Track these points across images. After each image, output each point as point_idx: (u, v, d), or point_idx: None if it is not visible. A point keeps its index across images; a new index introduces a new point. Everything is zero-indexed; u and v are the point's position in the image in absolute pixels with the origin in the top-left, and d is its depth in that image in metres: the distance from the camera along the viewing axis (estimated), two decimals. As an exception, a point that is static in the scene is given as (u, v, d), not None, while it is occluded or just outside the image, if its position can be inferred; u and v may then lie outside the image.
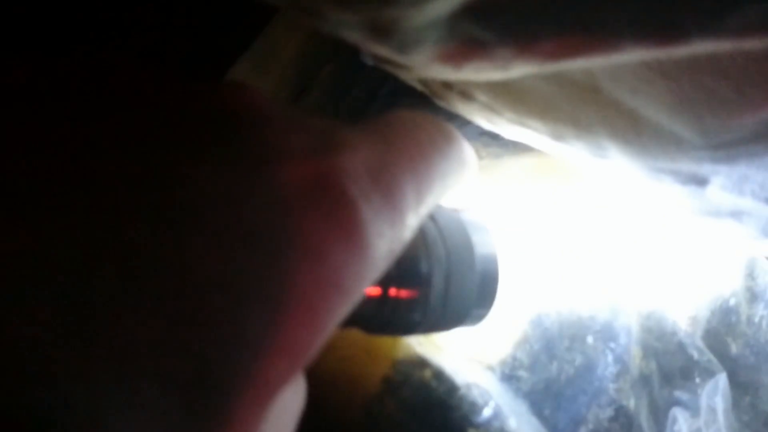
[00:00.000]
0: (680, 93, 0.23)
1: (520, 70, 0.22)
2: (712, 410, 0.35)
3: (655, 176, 0.28)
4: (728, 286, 0.36)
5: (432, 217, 0.23)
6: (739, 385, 0.36)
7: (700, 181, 0.28)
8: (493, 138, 0.37)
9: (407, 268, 0.22)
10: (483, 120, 0.32)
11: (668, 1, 0.18)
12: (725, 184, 0.27)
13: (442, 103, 0.33)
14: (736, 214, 0.29)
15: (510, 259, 0.35)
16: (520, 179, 0.37)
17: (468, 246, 0.23)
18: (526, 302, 0.34)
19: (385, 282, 0.21)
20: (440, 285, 0.22)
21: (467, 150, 0.20)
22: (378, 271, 0.16)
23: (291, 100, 0.42)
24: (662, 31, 0.19)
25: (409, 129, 0.18)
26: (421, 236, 0.22)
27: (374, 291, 0.21)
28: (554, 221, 0.36)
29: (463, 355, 0.34)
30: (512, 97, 0.29)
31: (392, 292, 0.22)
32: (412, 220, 0.16)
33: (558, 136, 0.29)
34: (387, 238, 0.15)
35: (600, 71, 0.23)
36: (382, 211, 0.15)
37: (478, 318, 0.26)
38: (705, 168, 0.27)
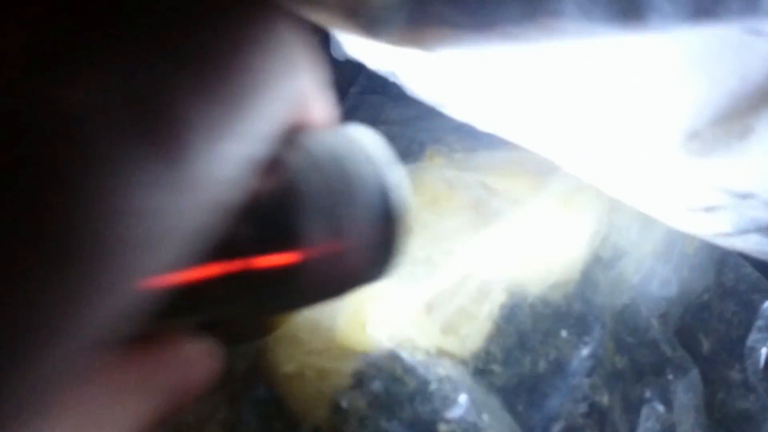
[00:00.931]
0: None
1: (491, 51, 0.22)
2: (685, 406, 0.35)
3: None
4: (700, 282, 0.36)
5: (300, 147, 0.18)
6: (711, 382, 0.35)
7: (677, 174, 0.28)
8: (468, 132, 0.36)
9: (273, 226, 0.16)
10: (458, 110, 0.31)
11: None
12: (701, 179, 0.28)
13: (416, 96, 0.32)
14: (710, 209, 0.29)
15: (483, 251, 0.35)
16: (495, 173, 0.36)
17: (356, 179, 0.18)
18: (499, 295, 0.34)
19: (246, 250, 0.16)
20: (322, 237, 0.17)
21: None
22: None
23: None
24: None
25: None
26: (289, 176, 0.17)
27: (231, 266, 0.16)
28: (526, 215, 0.35)
29: (434, 349, 0.33)
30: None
31: (256, 262, 0.16)
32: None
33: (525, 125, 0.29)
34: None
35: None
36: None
37: (379, 273, 0.20)
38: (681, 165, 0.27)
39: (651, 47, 0.21)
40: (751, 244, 0.31)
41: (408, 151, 0.39)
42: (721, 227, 0.30)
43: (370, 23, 0.21)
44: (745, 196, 0.27)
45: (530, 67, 0.24)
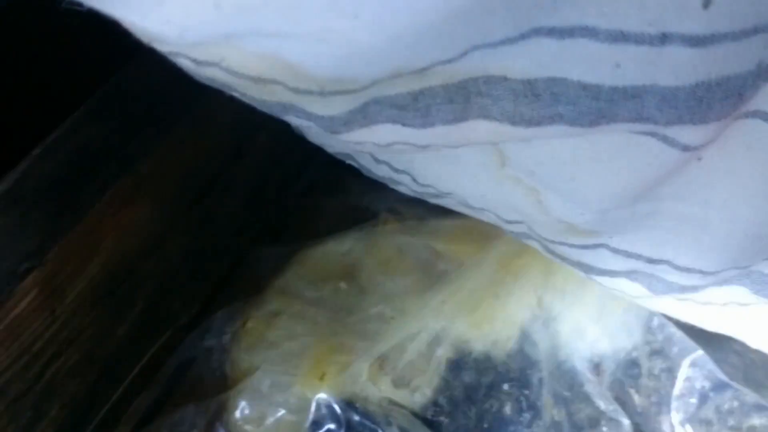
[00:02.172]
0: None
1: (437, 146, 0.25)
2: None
3: (554, 247, 0.32)
4: (629, 341, 0.39)
5: None
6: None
7: (595, 246, 0.31)
8: (418, 202, 0.39)
9: None
10: (406, 189, 0.34)
11: None
12: (617, 248, 0.31)
13: (371, 174, 0.35)
14: (629, 273, 0.32)
15: (431, 309, 0.37)
16: (442, 238, 0.40)
17: None
18: (446, 350, 0.37)
19: None
20: None
21: None
22: None
23: (227, 164, 0.44)
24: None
25: None
26: None
27: None
28: (470, 277, 0.38)
29: (386, 401, 0.35)
30: (430, 172, 0.32)
31: None
32: None
33: (469, 205, 0.32)
34: None
35: (506, 149, 0.27)
36: None
37: None
38: (598, 236, 0.30)
39: (564, 144, 0.24)
40: (669, 307, 0.34)
41: (363, 217, 0.42)
42: (640, 291, 0.33)
43: (330, 127, 0.25)
44: (658, 262, 0.31)
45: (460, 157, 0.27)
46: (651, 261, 0.31)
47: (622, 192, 0.26)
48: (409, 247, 0.39)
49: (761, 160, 0.24)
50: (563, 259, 0.33)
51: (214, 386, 0.37)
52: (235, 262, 0.47)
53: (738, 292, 0.32)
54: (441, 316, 0.37)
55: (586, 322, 0.38)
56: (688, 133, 0.22)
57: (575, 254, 0.32)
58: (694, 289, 0.32)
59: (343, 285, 0.38)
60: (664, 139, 0.23)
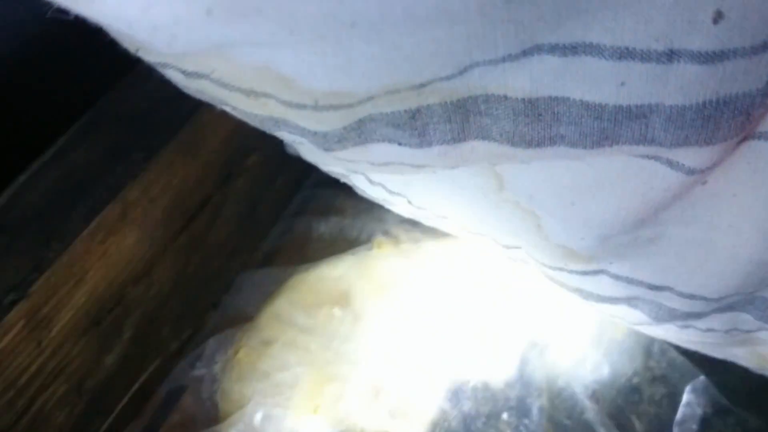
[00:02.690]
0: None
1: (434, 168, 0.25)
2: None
3: (553, 273, 0.31)
4: (630, 366, 0.38)
5: None
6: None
7: (595, 272, 0.30)
8: (414, 224, 0.39)
9: None
10: (403, 210, 0.34)
11: None
12: (618, 274, 0.30)
13: (365, 194, 0.35)
14: (630, 300, 0.32)
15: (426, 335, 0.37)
16: (440, 263, 0.39)
17: None
18: (444, 380, 0.36)
19: None
20: None
21: None
22: None
23: (217, 188, 0.43)
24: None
25: None
26: None
27: None
28: (467, 305, 0.37)
29: (383, 433, 0.35)
30: (426, 194, 0.31)
31: None
32: None
33: (466, 230, 0.32)
34: None
35: (504, 172, 0.26)
36: None
37: None
38: (598, 262, 0.29)
39: (565, 168, 0.24)
40: (670, 333, 0.34)
41: (357, 240, 0.41)
42: (641, 318, 0.32)
43: (324, 141, 0.24)
44: (660, 288, 0.30)
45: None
46: (653, 287, 0.30)
47: (624, 217, 0.26)
48: (404, 272, 0.38)
49: (765, 183, 0.23)
50: (562, 285, 0.32)
51: (205, 418, 0.36)
52: (226, 286, 0.46)
53: (741, 319, 0.31)
54: (439, 344, 0.36)
55: (586, 349, 0.38)
56: (693, 156, 0.22)
57: (575, 281, 0.32)
58: (698, 316, 0.31)
59: (337, 311, 0.37)
60: (669, 163, 0.23)
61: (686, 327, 0.33)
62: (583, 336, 0.38)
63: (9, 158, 0.37)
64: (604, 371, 0.38)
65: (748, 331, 0.32)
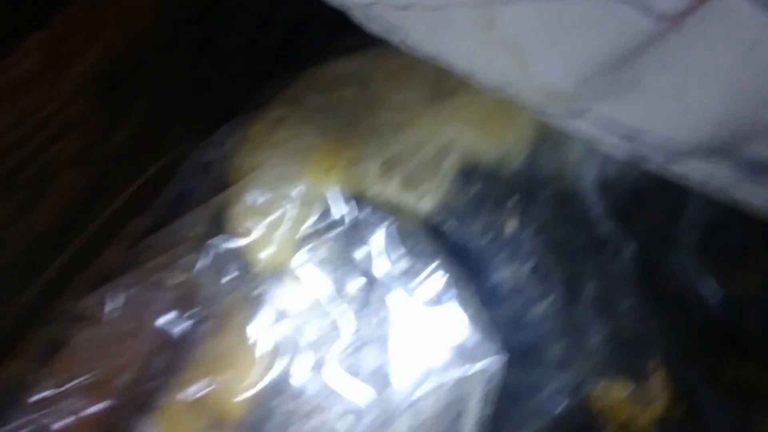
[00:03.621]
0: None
1: None
2: (622, 278, 0.37)
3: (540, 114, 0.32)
4: (639, 168, 0.39)
5: None
6: (647, 259, 0.38)
7: (577, 113, 0.31)
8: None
9: None
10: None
11: None
12: (597, 117, 0.31)
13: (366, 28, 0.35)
14: (614, 141, 0.32)
15: (440, 120, 0.37)
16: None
17: None
18: (454, 161, 0.36)
19: None
20: None
21: None
22: None
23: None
24: None
25: None
26: None
27: None
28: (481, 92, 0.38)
29: (393, 203, 0.35)
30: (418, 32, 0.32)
31: None
32: None
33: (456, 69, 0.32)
34: None
35: (494, 11, 0.27)
36: None
37: None
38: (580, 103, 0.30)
39: (548, 8, 0.24)
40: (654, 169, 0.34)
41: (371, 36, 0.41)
42: (623, 156, 0.33)
43: None
44: (637, 132, 0.31)
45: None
46: (631, 130, 0.31)
47: (601, 58, 0.26)
48: (418, 63, 0.38)
49: (738, 39, 0.24)
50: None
51: (215, 190, 0.36)
52: (238, 99, 0.46)
53: (715, 172, 0.32)
54: (451, 126, 0.36)
55: (594, 147, 0.38)
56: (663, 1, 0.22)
57: (560, 122, 0.32)
58: (672, 162, 0.32)
59: (350, 92, 0.37)
60: (641, 7, 0.23)
61: (663, 170, 0.34)
62: (594, 133, 0.38)
63: None
64: (612, 171, 0.38)
65: (722, 188, 0.33)
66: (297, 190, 0.34)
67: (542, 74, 0.28)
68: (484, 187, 0.36)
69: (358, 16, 0.34)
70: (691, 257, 0.38)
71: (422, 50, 0.33)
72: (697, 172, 0.33)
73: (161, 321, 0.35)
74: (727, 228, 0.39)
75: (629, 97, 0.29)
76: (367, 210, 0.34)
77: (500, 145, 0.37)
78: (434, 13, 0.28)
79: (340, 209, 0.34)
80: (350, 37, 0.44)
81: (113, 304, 0.35)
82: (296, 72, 0.42)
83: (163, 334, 0.35)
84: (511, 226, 0.36)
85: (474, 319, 0.33)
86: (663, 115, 0.29)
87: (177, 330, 0.35)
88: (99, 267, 0.38)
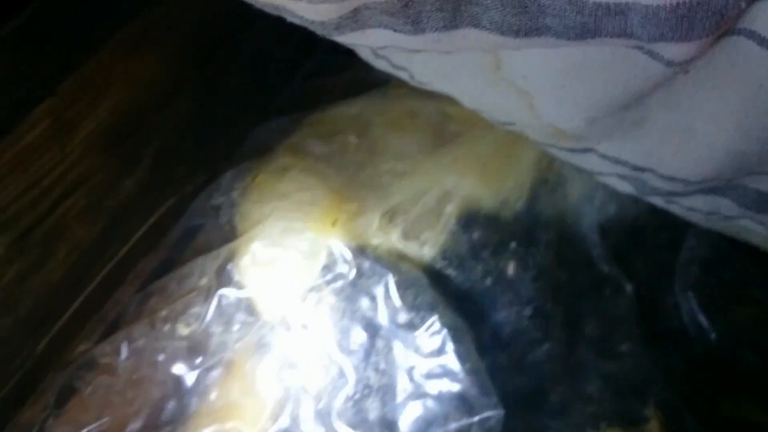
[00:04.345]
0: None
1: None
2: (620, 318, 0.38)
3: (546, 148, 0.32)
4: (637, 207, 0.39)
5: None
6: (645, 298, 0.39)
7: (584, 150, 0.32)
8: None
9: None
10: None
11: None
12: (605, 153, 0.31)
13: (372, 65, 0.35)
14: (618, 175, 0.33)
15: (442, 168, 0.37)
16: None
17: None
18: (455, 207, 0.37)
19: None
20: None
21: None
22: None
23: (235, 29, 0.43)
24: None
25: None
26: None
27: None
28: (481, 138, 0.38)
29: (395, 252, 0.36)
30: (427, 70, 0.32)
31: None
32: None
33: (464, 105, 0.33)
34: None
35: (501, 53, 0.27)
36: None
37: None
38: (586, 141, 0.31)
39: (556, 51, 0.25)
40: (659, 203, 0.35)
41: (375, 83, 0.42)
42: (629, 189, 0.34)
43: (322, 29, 0.25)
44: (643, 170, 0.31)
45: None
46: (636, 168, 0.32)
47: (609, 101, 0.27)
48: (420, 108, 0.39)
49: (744, 77, 0.24)
50: (555, 156, 0.34)
51: (223, 239, 0.37)
52: (241, 135, 0.46)
53: (723, 204, 0.32)
54: (452, 173, 0.37)
55: (595, 188, 0.39)
56: (672, 49, 0.23)
57: (565, 156, 0.33)
58: (680, 194, 0.32)
59: (353, 139, 0.38)
60: (650, 54, 0.24)
61: (670, 202, 0.34)
62: (592, 176, 0.39)
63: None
64: (612, 210, 0.39)
65: (730, 217, 0.33)
66: (302, 243, 0.35)
67: (549, 114, 0.29)
68: (484, 232, 0.37)
69: (365, 54, 0.35)
70: (690, 294, 0.39)
71: (430, 87, 0.34)
72: (700, 205, 0.33)
73: (172, 369, 0.36)
74: (725, 263, 0.40)
75: (635, 136, 0.29)
76: (370, 261, 0.35)
77: (500, 190, 0.38)
78: (442, 54, 0.29)
79: (344, 261, 0.35)
80: (350, 73, 0.45)
81: (127, 352, 0.36)
82: (297, 111, 0.43)
83: (174, 381, 0.36)
84: (511, 269, 0.37)
85: (472, 372, 0.33)
86: (668, 153, 0.29)
87: (187, 377, 0.36)
88: (111, 312, 0.39)
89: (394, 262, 0.35)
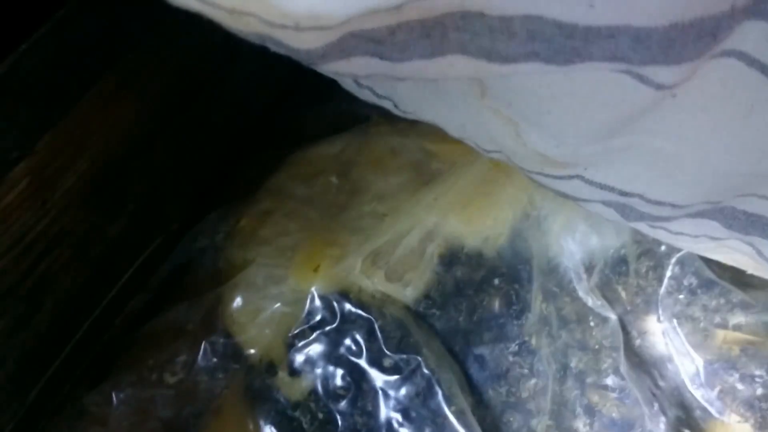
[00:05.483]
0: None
1: None
2: (606, 350, 0.38)
3: (532, 176, 0.32)
4: (619, 238, 0.39)
5: None
6: (629, 329, 0.39)
7: (570, 177, 0.32)
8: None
9: None
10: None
11: None
12: (592, 180, 0.31)
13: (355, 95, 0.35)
14: (604, 201, 0.33)
15: (423, 207, 0.38)
16: (434, 139, 0.39)
17: None
18: (438, 246, 0.37)
19: None
20: None
21: None
22: None
23: (217, 67, 0.43)
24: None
25: None
26: None
27: None
28: (461, 176, 0.38)
29: (379, 294, 0.36)
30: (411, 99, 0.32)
31: None
32: None
33: (449, 132, 0.33)
34: None
35: (486, 80, 0.27)
36: None
37: None
38: (572, 168, 0.31)
39: (542, 78, 0.25)
40: (644, 229, 0.35)
41: (355, 120, 0.42)
42: (615, 216, 0.34)
43: (308, 58, 0.25)
44: (630, 195, 0.31)
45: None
46: (624, 194, 0.32)
47: (597, 127, 0.27)
48: (401, 147, 0.39)
49: (734, 99, 0.24)
50: (540, 184, 0.34)
51: (209, 283, 0.38)
52: (225, 170, 0.46)
53: (710, 226, 0.32)
54: (433, 212, 0.37)
55: (577, 220, 0.39)
56: (662, 72, 0.23)
57: (552, 183, 0.33)
58: (667, 219, 0.33)
59: (334, 180, 0.38)
60: (639, 78, 0.24)
61: (656, 228, 0.34)
62: (574, 208, 0.39)
63: (9, 28, 0.37)
64: (594, 242, 0.39)
65: (718, 239, 0.34)
66: (285, 290, 0.35)
67: (534, 141, 0.29)
68: (467, 269, 0.37)
69: (348, 84, 0.35)
70: (673, 322, 0.39)
71: (414, 116, 0.34)
72: (688, 229, 0.33)
73: (162, 416, 0.36)
74: (709, 290, 0.40)
75: (622, 161, 0.29)
76: (354, 306, 0.35)
77: (481, 227, 0.38)
78: (427, 83, 0.29)
79: (327, 307, 0.35)
80: (333, 105, 0.45)
81: (116, 401, 0.36)
82: (279, 148, 0.43)
83: (163, 429, 0.36)
84: (496, 305, 0.37)
85: (459, 413, 0.34)
86: (656, 177, 0.29)
87: (176, 424, 0.36)
88: (101, 360, 0.39)
89: (377, 305, 0.35)
